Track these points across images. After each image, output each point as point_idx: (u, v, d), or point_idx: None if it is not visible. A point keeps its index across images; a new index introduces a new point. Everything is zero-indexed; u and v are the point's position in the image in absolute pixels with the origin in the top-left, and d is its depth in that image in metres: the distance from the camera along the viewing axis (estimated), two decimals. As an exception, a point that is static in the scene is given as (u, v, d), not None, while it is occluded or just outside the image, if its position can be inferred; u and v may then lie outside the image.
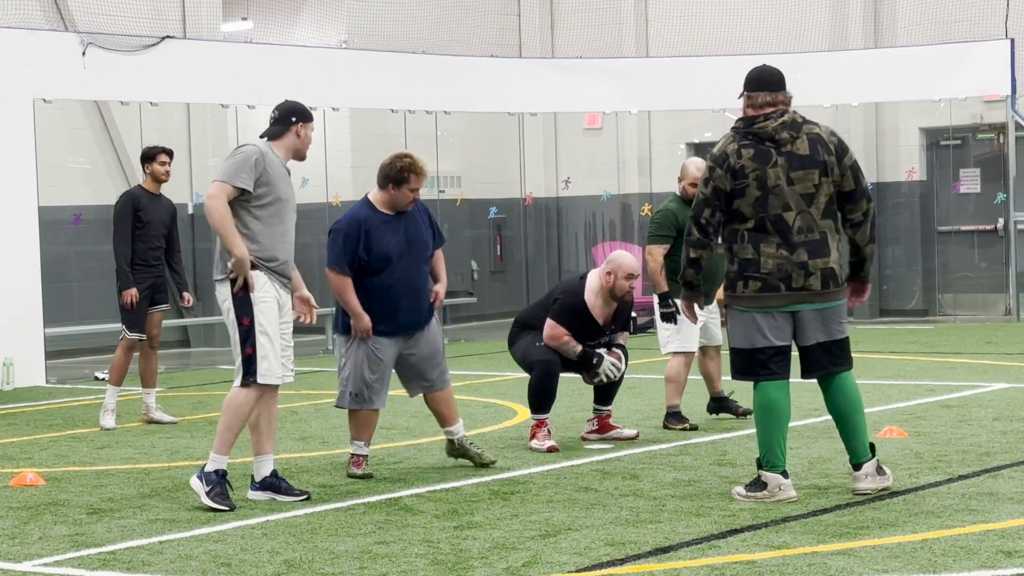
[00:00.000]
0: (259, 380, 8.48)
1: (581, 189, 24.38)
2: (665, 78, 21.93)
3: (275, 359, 8.54)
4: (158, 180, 12.53)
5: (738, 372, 8.40)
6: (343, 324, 9.52)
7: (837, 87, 21.51)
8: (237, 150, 8.70)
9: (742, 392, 12.78)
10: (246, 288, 8.43)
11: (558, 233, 24.75)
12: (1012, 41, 20.60)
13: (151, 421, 12.45)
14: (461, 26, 23.58)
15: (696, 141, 24.17)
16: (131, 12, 19.13)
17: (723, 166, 8.21)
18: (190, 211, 20.26)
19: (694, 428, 11.17)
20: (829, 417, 11.55)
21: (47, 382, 16.35)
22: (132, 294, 12.29)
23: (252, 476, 8.81)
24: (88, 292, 18.84)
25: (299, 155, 8.83)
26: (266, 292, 8.53)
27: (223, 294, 8.52)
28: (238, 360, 8.51)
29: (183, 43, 18.46)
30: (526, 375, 10.72)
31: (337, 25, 22.51)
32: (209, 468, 8.46)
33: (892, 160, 22.67)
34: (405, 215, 9.54)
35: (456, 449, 9.77)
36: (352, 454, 9.49)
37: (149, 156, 12.58)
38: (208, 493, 8.36)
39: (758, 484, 8.28)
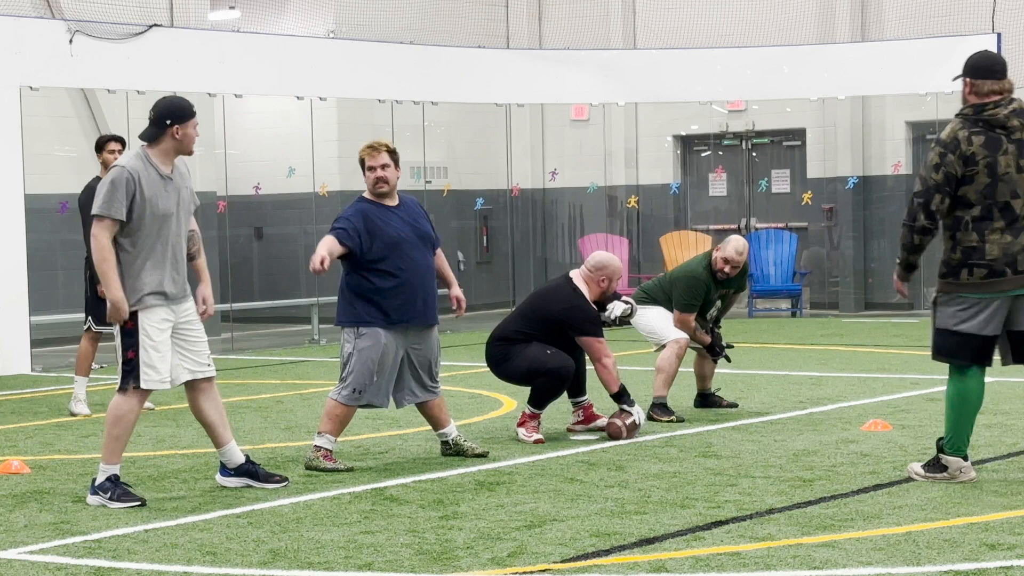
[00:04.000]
0: (141, 385, 8.30)
1: (568, 180, 24.39)
2: (652, 70, 21.93)
3: (161, 363, 8.32)
4: (108, 169, 12.61)
5: (941, 354, 8.41)
6: (350, 317, 9.47)
7: (824, 80, 21.54)
8: (108, 174, 8.36)
9: (729, 389, 12.82)
10: (136, 319, 8.23)
11: (544, 224, 24.77)
12: (999, 36, 20.62)
13: None
14: (449, 16, 23.56)
15: (683, 133, 24.21)
16: (118, 0, 19.09)
17: (955, 152, 8.19)
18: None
19: (680, 421, 11.19)
20: (815, 410, 11.65)
21: (33, 370, 16.34)
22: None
23: (222, 463, 8.79)
24: (74, 280, 18.73)
25: (183, 153, 8.45)
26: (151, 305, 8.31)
27: None
28: (119, 365, 8.34)
29: (170, 31, 18.42)
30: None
31: (324, 14, 22.48)
32: (100, 480, 8.30)
33: (878, 154, 22.71)
34: (404, 208, 9.54)
35: (451, 448, 9.78)
36: (322, 447, 9.39)
37: (99, 146, 12.66)
38: (111, 499, 8.20)
39: (937, 466, 8.42)
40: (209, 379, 8.65)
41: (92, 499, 8.29)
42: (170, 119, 8.32)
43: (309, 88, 19.64)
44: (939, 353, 8.43)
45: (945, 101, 21.62)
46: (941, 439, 8.48)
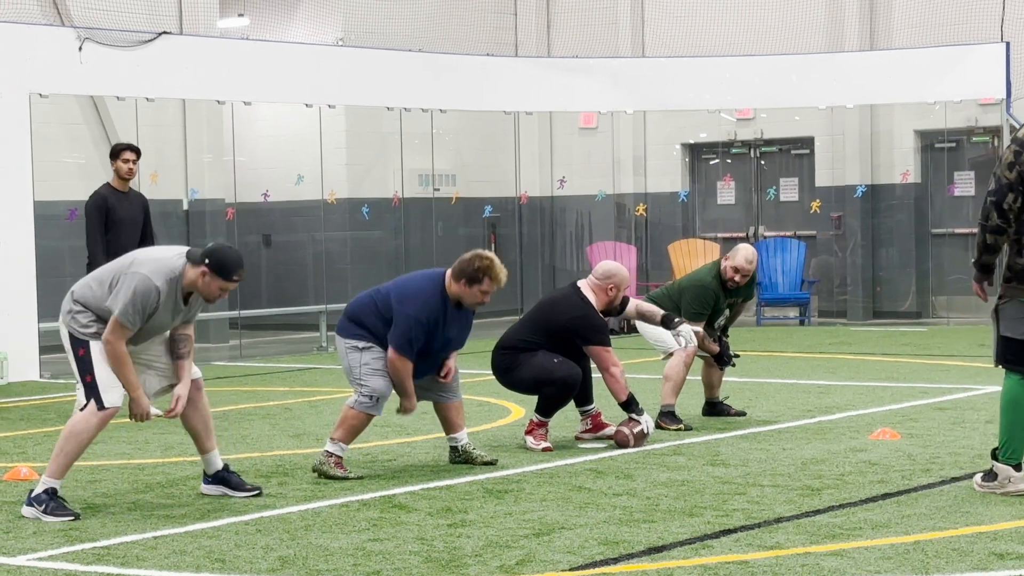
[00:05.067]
0: (105, 405, 8.25)
1: (576, 188, 24.39)
2: (661, 78, 21.95)
3: (115, 383, 8.29)
4: (121, 177, 12.66)
5: (1008, 362, 8.28)
6: (355, 332, 9.42)
7: (832, 89, 21.54)
8: (137, 280, 8.23)
9: (737, 397, 12.81)
10: (88, 347, 8.28)
11: (552, 232, 24.76)
12: (1007, 44, 20.63)
13: None
14: (457, 24, 23.59)
15: (691, 142, 24.21)
16: (128, 7, 19.12)
17: None
18: (185, 207, 20.27)
19: (688, 429, 11.19)
20: (823, 418, 11.64)
21: (41, 376, 16.35)
22: None
23: (204, 471, 8.81)
24: (82, 287, 18.81)
25: (201, 295, 8.36)
26: None
27: (64, 333, 8.40)
28: (80, 390, 8.31)
29: (179, 39, 18.46)
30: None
31: (333, 22, 22.51)
32: (37, 491, 8.25)
33: (887, 162, 22.69)
34: (461, 315, 9.56)
35: (459, 455, 9.78)
36: (333, 453, 9.39)
37: (114, 153, 12.75)
38: (45, 511, 8.14)
39: (990, 475, 8.30)
40: (196, 386, 8.62)
41: (27, 510, 8.21)
42: (208, 262, 8.24)
43: (318, 95, 19.66)
44: (1005, 361, 8.32)
45: (954, 110, 21.65)
46: (996, 448, 8.36)
